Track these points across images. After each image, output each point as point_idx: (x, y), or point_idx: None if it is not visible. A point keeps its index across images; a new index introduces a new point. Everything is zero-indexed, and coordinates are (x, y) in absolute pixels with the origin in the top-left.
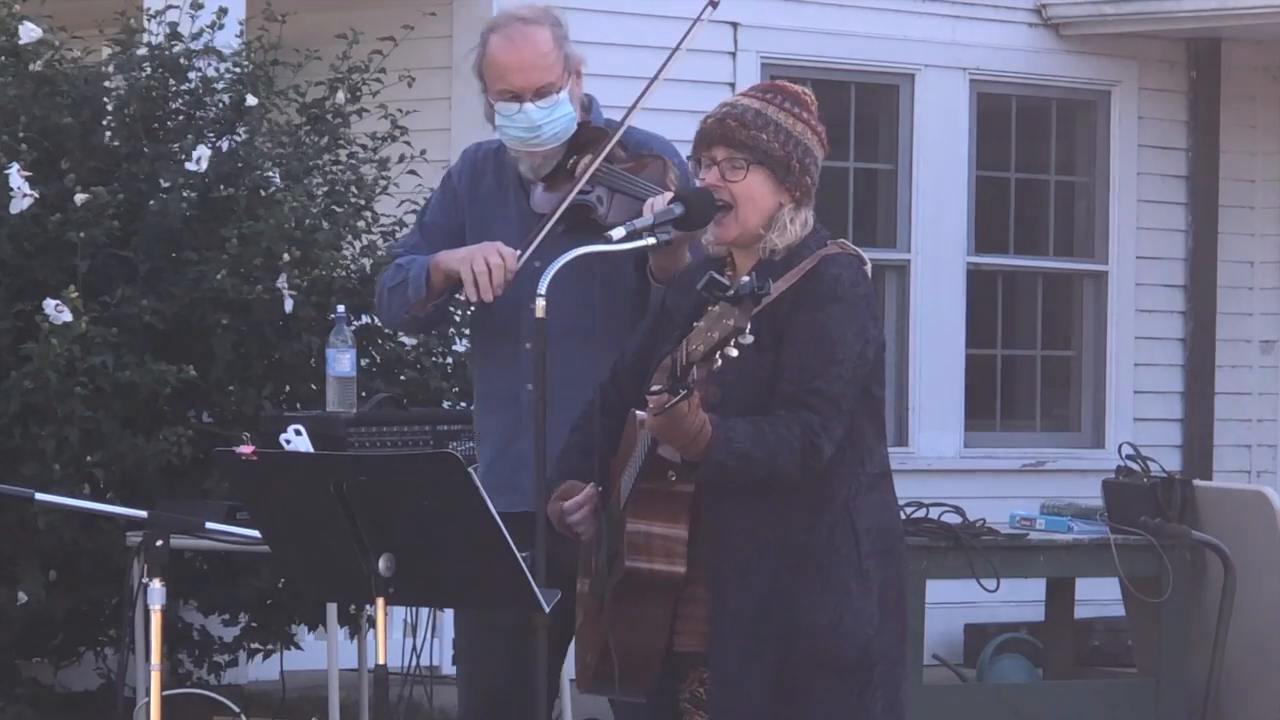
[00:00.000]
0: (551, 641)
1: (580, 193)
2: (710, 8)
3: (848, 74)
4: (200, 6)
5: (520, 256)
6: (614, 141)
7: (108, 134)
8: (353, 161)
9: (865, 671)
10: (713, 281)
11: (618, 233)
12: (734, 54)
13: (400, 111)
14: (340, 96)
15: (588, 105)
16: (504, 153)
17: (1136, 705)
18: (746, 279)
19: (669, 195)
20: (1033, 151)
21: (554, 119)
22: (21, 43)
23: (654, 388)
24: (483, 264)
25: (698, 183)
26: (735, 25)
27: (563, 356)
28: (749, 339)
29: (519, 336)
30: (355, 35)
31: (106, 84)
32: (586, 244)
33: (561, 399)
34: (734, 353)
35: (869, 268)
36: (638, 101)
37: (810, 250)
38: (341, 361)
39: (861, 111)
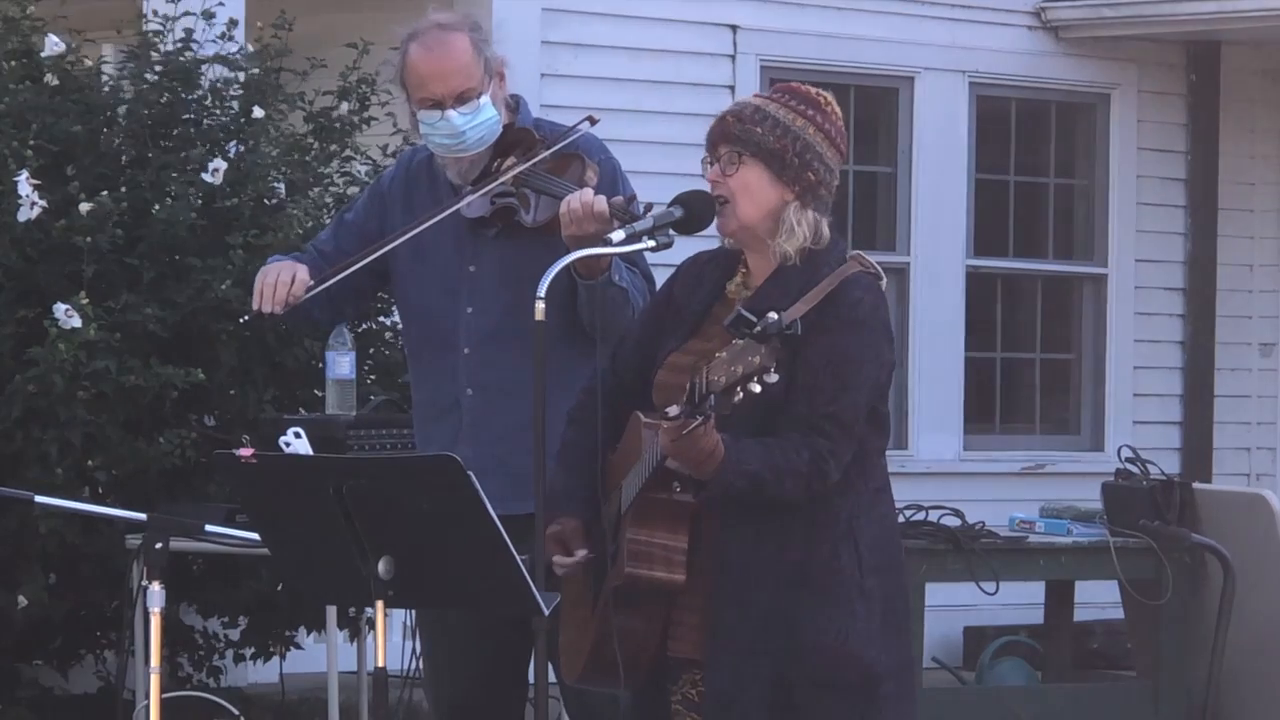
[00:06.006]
0: (524, 643)
1: (506, 195)
2: (588, 123)
3: (847, 77)
4: (212, 16)
5: (311, 288)
6: (542, 157)
7: (115, 140)
8: (358, 172)
9: (870, 690)
10: (740, 319)
11: (618, 235)
12: (733, 57)
13: None
14: (344, 107)
15: (514, 105)
16: (436, 159)
17: (1136, 708)
18: (774, 316)
19: (588, 191)
20: (1032, 154)
21: (477, 124)
22: (44, 55)
23: (671, 411)
24: (273, 279)
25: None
26: (735, 28)
27: (495, 360)
28: (774, 378)
29: (458, 344)
30: (365, 45)
31: (122, 95)
32: (582, 249)
33: (496, 405)
34: (756, 389)
35: (884, 282)
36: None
37: (830, 267)
38: (341, 365)
39: (861, 114)
